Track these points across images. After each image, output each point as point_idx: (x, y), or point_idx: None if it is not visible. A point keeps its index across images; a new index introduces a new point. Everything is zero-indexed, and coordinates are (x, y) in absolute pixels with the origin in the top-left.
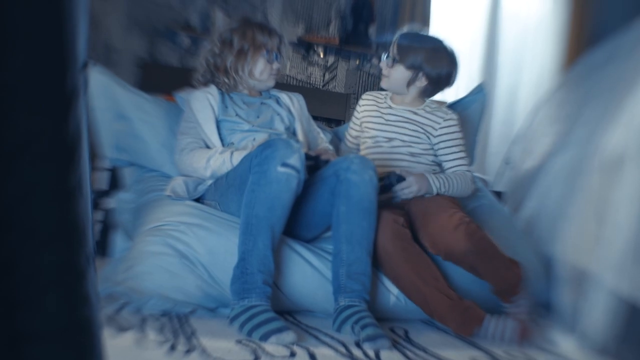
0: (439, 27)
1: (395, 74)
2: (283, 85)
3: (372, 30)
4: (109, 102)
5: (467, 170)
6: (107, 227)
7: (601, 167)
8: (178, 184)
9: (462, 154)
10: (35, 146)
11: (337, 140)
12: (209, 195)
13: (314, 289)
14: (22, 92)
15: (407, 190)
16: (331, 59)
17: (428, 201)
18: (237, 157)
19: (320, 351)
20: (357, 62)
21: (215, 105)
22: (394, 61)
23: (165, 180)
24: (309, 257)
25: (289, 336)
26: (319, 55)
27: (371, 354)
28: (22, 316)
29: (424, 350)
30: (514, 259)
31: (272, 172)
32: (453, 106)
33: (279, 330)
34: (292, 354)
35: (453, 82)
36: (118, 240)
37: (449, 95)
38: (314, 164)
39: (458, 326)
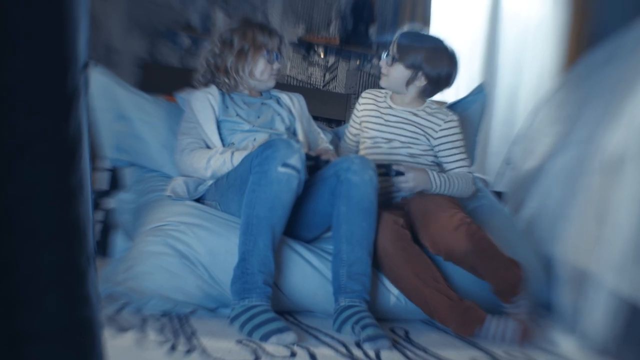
0: (439, 27)
1: (395, 73)
2: (283, 85)
3: (373, 31)
4: (109, 102)
5: (469, 172)
6: (107, 227)
7: (602, 167)
8: (178, 184)
9: (462, 155)
10: (35, 146)
11: (337, 141)
12: (210, 196)
13: (314, 289)
14: (23, 92)
15: (403, 184)
16: (331, 59)
17: (428, 201)
18: (238, 157)
19: (321, 351)
20: (358, 63)
21: (216, 105)
22: (394, 60)
23: (165, 181)
24: (309, 257)
25: (289, 336)
26: (319, 55)
27: (371, 354)
28: (22, 316)
29: (424, 351)
30: (514, 259)
31: (273, 172)
32: (453, 106)
33: (279, 331)
34: (293, 354)
35: (453, 82)
36: (118, 241)
37: (449, 95)
38: (314, 164)
39: (458, 326)
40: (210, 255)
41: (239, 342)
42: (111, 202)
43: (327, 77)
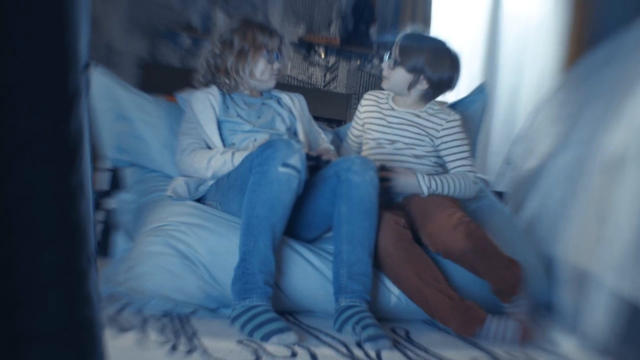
0: (439, 27)
1: (396, 76)
2: (284, 85)
3: (373, 31)
4: (110, 102)
5: (470, 171)
6: (108, 228)
7: (602, 167)
8: (179, 184)
9: (464, 155)
10: (36, 146)
11: (338, 141)
12: (210, 196)
13: (315, 290)
14: (23, 92)
15: (392, 188)
16: (332, 60)
17: (427, 201)
18: (238, 157)
19: (322, 351)
20: (358, 63)
21: (217, 105)
22: (395, 63)
23: (166, 181)
24: (310, 257)
25: (290, 336)
26: (320, 55)
27: (372, 354)
28: (22, 316)
29: (425, 351)
30: (513, 259)
31: (273, 172)
32: (454, 106)
33: (280, 331)
34: (293, 354)
35: (455, 86)
36: (119, 241)
37: (449, 95)
38: (315, 165)
39: (459, 326)
40: (211, 256)
41: (240, 342)
42: (112, 203)
43: (328, 77)
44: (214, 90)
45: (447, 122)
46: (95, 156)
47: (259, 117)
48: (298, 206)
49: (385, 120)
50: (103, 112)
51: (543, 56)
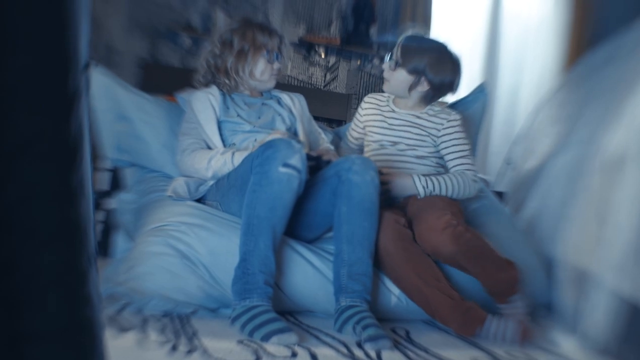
0: (440, 28)
1: (397, 78)
2: (284, 85)
3: (373, 31)
4: (110, 102)
5: (470, 170)
6: (108, 228)
7: (602, 167)
8: (179, 184)
9: (464, 153)
10: (36, 146)
11: (338, 141)
12: (210, 196)
13: (315, 290)
14: (23, 92)
15: (390, 192)
16: (332, 60)
17: (422, 202)
18: (239, 157)
19: (322, 351)
20: (359, 63)
21: (217, 106)
22: (397, 64)
23: (166, 181)
24: (310, 257)
25: (290, 337)
26: (320, 55)
27: (372, 354)
28: (23, 316)
29: (425, 351)
30: (510, 260)
31: (274, 172)
32: (454, 106)
33: (280, 331)
34: (294, 355)
35: (456, 89)
36: (119, 241)
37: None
38: (315, 165)
39: (459, 327)
40: (211, 256)
41: (240, 342)
42: (112, 203)
43: (328, 77)
44: (214, 90)
45: (447, 121)
46: (95, 156)
47: (259, 118)
48: (298, 206)
49: (386, 123)
50: (103, 112)
51: (543, 56)
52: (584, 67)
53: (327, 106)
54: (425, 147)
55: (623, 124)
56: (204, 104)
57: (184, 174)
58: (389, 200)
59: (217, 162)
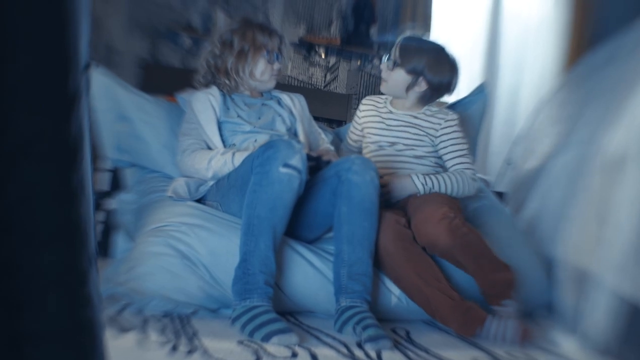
0: (440, 28)
1: (395, 78)
2: (284, 85)
3: (374, 31)
4: (110, 103)
5: (469, 169)
6: (108, 228)
7: (602, 167)
8: (180, 184)
9: (462, 152)
10: (36, 146)
11: (338, 141)
12: (211, 196)
13: (316, 290)
14: (24, 93)
15: (389, 195)
16: (332, 60)
17: (421, 198)
18: (239, 157)
19: (322, 352)
20: (359, 63)
21: (217, 106)
22: (395, 64)
23: (166, 181)
24: (310, 257)
25: (290, 337)
26: (320, 55)
27: (373, 354)
28: (23, 317)
29: (426, 351)
30: (506, 263)
31: (274, 172)
32: (454, 106)
33: (280, 331)
34: (294, 355)
35: (454, 90)
36: (120, 241)
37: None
38: (315, 165)
39: (460, 327)
40: (211, 256)
41: (241, 342)
42: (112, 203)
43: (328, 77)
44: (214, 90)
45: (445, 121)
46: (95, 156)
47: (259, 118)
48: (299, 206)
49: (384, 124)
50: (103, 112)
51: (543, 56)
52: (584, 67)
53: (327, 106)
54: (423, 147)
55: (623, 124)
56: (204, 104)
57: (184, 174)
58: (390, 202)
59: (218, 162)
